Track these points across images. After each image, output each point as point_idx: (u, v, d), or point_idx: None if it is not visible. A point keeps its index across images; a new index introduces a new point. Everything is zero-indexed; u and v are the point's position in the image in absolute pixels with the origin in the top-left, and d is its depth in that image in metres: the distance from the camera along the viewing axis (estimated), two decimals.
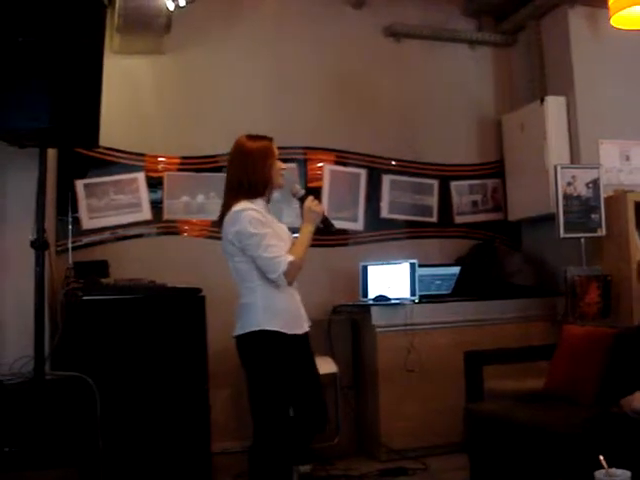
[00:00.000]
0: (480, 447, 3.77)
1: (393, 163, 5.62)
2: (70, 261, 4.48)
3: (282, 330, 3.18)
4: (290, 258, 3.14)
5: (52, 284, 3.95)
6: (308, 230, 3.27)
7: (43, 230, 3.59)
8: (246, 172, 3.27)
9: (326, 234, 4.48)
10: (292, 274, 3.16)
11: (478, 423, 3.79)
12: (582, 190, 4.93)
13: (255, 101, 5.27)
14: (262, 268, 3.17)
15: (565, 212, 4.87)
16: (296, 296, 3.35)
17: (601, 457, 2.22)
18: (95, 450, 3.68)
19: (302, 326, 3.34)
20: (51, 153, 4.04)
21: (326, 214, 3.35)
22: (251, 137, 3.40)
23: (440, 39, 5.85)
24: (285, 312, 3.24)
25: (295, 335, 3.26)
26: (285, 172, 3.41)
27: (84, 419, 3.65)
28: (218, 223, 3.37)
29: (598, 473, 2.21)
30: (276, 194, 3.57)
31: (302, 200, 3.33)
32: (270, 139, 3.38)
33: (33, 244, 3.57)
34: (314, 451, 4.37)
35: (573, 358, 3.84)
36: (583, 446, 2.97)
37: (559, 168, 4.91)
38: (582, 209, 4.91)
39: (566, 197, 4.89)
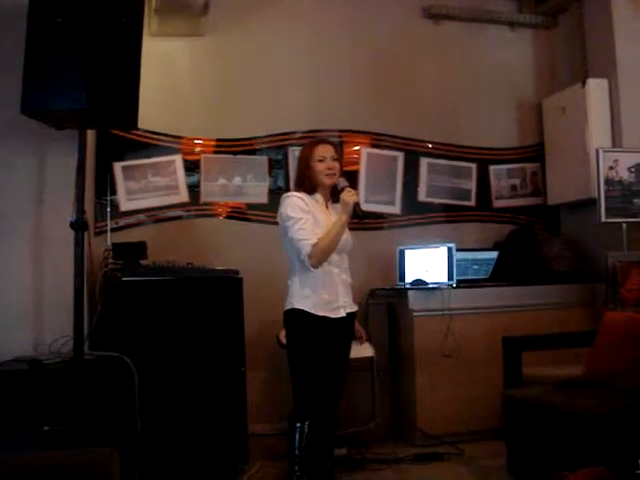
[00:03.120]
0: (518, 433, 3.74)
1: (430, 146, 5.56)
2: (109, 242, 4.50)
3: (309, 310, 3.45)
4: (314, 241, 3.36)
5: (91, 265, 3.98)
6: (340, 219, 3.45)
7: (83, 211, 3.60)
8: (297, 172, 3.67)
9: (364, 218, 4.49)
10: (316, 256, 3.38)
11: (517, 409, 3.76)
12: (624, 174, 4.84)
13: (291, 83, 5.25)
14: (295, 249, 3.44)
15: (606, 197, 4.79)
16: (338, 281, 3.54)
17: None
18: (133, 430, 3.71)
19: (337, 311, 3.51)
20: (90, 136, 4.04)
21: (358, 201, 3.48)
22: (308, 142, 3.82)
23: (480, 21, 5.76)
24: (316, 294, 3.47)
25: (326, 318, 3.46)
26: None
27: (122, 399, 3.68)
28: None
29: None
30: None
31: (341, 192, 3.49)
32: (319, 142, 3.67)
33: (72, 225, 3.58)
34: (349, 434, 4.39)
35: (614, 345, 3.78)
36: (626, 433, 2.93)
37: (601, 152, 4.82)
38: (624, 193, 4.82)
39: (607, 181, 4.81)
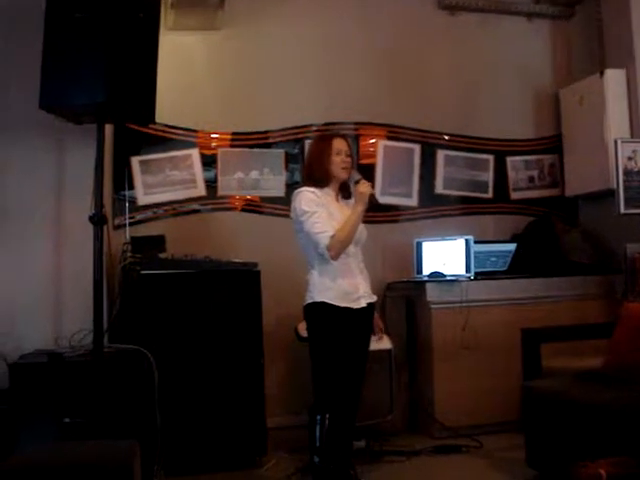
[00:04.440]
0: (538, 425, 3.72)
1: (447, 138, 5.53)
2: (127, 236, 4.52)
3: (332, 302, 3.46)
4: (332, 233, 3.40)
5: (110, 259, 4.00)
6: (357, 211, 3.48)
7: (101, 205, 3.62)
8: (310, 166, 3.66)
9: (381, 210, 4.51)
10: (335, 248, 3.41)
11: (537, 401, 3.74)
12: None
13: (306, 76, 5.24)
14: (312, 243, 3.45)
15: (625, 187, 4.76)
16: (356, 272, 3.57)
17: None
18: (153, 422, 3.73)
19: (357, 301, 3.54)
20: (107, 130, 4.07)
21: (373, 192, 3.55)
22: (318, 136, 3.95)
23: (496, 12, 5.70)
24: (336, 286, 3.49)
25: (348, 308, 3.48)
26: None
27: (142, 391, 3.71)
28: None
29: None
30: None
31: (356, 184, 3.56)
32: (334, 136, 3.70)
33: (92, 219, 3.61)
34: (368, 427, 4.39)
35: (633, 336, 3.76)
36: None
37: (619, 142, 4.80)
38: None
39: (626, 172, 4.78)
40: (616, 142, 4.79)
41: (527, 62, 5.77)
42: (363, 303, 3.56)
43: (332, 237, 3.39)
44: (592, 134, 5.25)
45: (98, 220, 3.60)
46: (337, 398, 3.48)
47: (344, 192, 3.67)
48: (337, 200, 3.63)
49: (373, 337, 3.74)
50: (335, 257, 3.43)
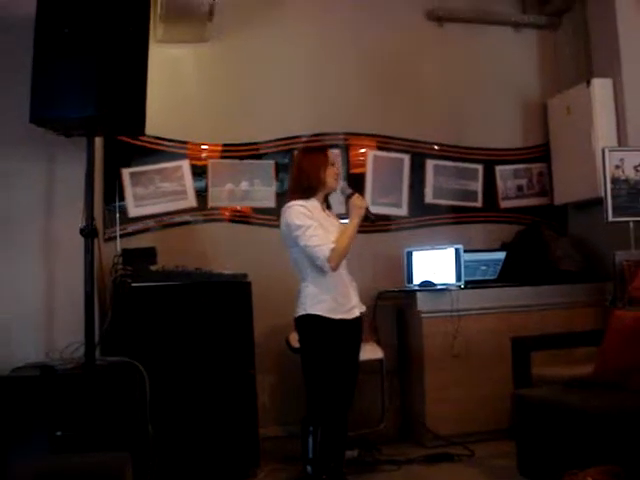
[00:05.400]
0: (529, 433, 3.73)
1: (436, 148, 5.56)
2: (118, 248, 4.53)
3: (326, 315, 3.49)
4: (332, 245, 3.44)
5: (101, 271, 3.99)
6: (353, 223, 3.56)
7: (92, 218, 3.62)
8: (300, 178, 3.65)
9: (371, 220, 4.52)
10: (335, 260, 3.46)
11: (527, 409, 3.75)
12: (630, 173, 4.84)
13: (297, 88, 5.27)
14: (309, 256, 3.49)
15: (613, 196, 4.79)
16: (347, 283, 3.62)
17: None
18: (145, 434, 3.73)
19: (351, 312, 3.59)
20: (98, 142, 4.07)
21: (369, 207, 3.66)
22: (309, 148, 4.09)
23: (483, 22, 5.75)
24: (331, 298, 3.53)
25: (343, 320, 3.52)
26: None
27: (134, 404, 3.70)
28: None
29: None
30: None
31: (349, 197, 3.63)
32: (327, 147, 3.89)
33: (82, 232, 3.60)
34: (360, 436, 4.40)
35: (622, 344, 3.78)
36: (637, 431, 2.93)
37: (607, 151, 4.83)
38: (630, 192, 4.82)
39: (614, 180, 4.81)
40: (603, 151, 4.82)
41: (515, 72, 5.81)
42: (356, 313, 3.61)
43: (332, 250, 3.43)
44: (580, 143, 5.28)
45: (89, 233, 3.60)
46: (331, 409, 3.50)
47: (327, 202, 3.72)
48: (323, 210, 3.66)
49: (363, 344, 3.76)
50: (335, 269, 3.48)
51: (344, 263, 3.60)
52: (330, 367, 3.49)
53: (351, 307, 3.59)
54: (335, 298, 3.53)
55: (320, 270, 3.47)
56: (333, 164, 3.65)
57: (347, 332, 3.55)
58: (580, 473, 2.64)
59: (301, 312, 3.55)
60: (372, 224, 4.26)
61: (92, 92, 3.48)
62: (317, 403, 3.52)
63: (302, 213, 3.50)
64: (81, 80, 3.48)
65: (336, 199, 3.84)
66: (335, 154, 3.73)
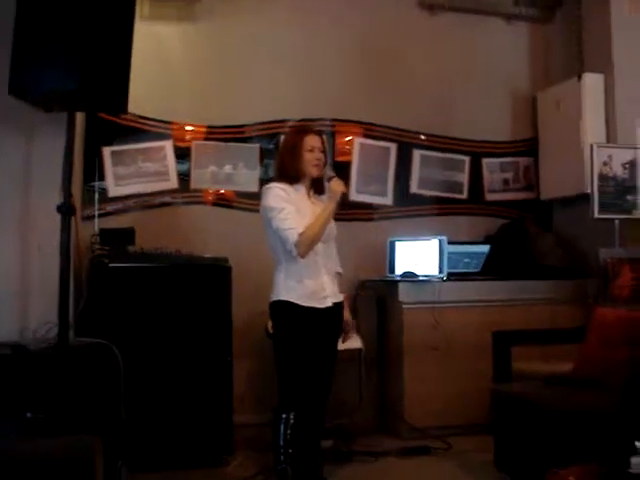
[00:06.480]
0: (507, 428, 3.71)
1: (423, 138, 5.52)
2: (96, 228, 4.45)
3: (296, 302, 3.44)
4: (301, 230, 3.34)
5: (77, 250, 3.91)
6: (328, 208, 3.45)
7: (70, 195, 3.53)
8: (282, 162, 3.61)
9: (355, 208, 4.49)
10: (303, 245, 3.36)
11: (506, 404, 3.73)
12: (618, 170, 4.83)
13: (283, 71, 5.21)
14: (280, 240, 3.41)
15: (600, 192, 4.76)
16: (323, 271, 3.53)
17: (638, 443, 2.15)
18: (118, 418, 3.66)
19: (323, 301, 3.51)
20: (79, 119, 3.98)
21: (346, 191, 3.58)
22: (291, 131, 3.90)
23: (475, 12, 5.70)
24: (302, 285, 3.46)
25: (313, 308, 3.46)
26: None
27: (107, 386, 3.63)
28: None
29: (635, 459, 2.14)
30: None
31: (329, 181, 3.52)
32: (307, 132, 3.62)
33: (59, 209, 3.52)
34: (336, 426, 4.36)
35: (604, 342, 3.78)
36: (617, 430, 2.90)
37: (595, 147, 4.80)
38: (617, 190, 4.81)
39: (601, 177, 4.79)
40: (592, 147, 4.79)
41: (505, 64, 5.78)
42: (329, 302, 3.52)
43: (301, 234, 3.34)
44: (568, 138, 5.26)
45: (66, 210, 3.51)
46: (301, 397, 3.45)
47: (317, 187, 3.62)
48: (309, 196, 3.58)
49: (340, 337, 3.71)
50: (303, 255, 3.39)
51: (324, 249, 3.53)
52: (300, 355, 3.43)
53: (324, 296, 3.50)
54: (307, 286, 3.46)
55: (291, 255, 3.39)
56: (312, 150, 3.52)
57: (319, 321, 3.47)
58: (561, 472, 2.61)
59: (274, 298, 3.51)
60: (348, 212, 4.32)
61: (74, 65, 3.37)
62: (287, 390, 3.48)
63: (278, 196, 3.43)
64: (64, 52, 3.37)
65: None
66: (318, 139, 3.57)
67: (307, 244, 3.36)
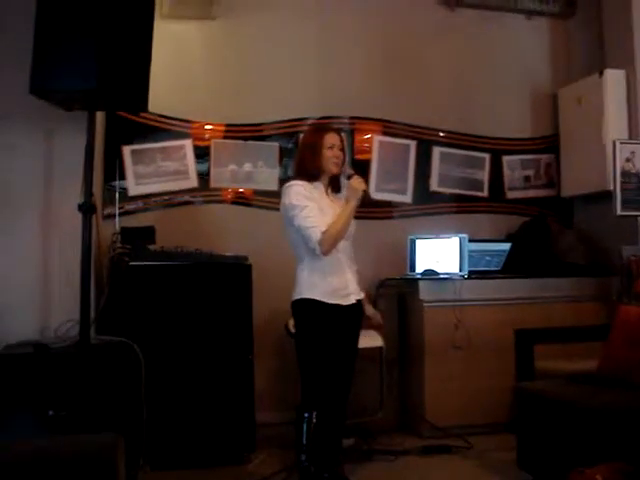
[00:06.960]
0: (530, 427, 3.67)
1: (442, 135, 5.48)
2: (117, 227, 4.46)
3: (320, 299, 3.43)
4: (324, 228, 3.35)
5: (98, 249, 3.93)
6: (349, 205, 3.45)
7: (91, 194, 3.56)
8: (302, 159, 3.61)
9: (375, 206, 4.47)
10: (327, 243, 3.36)
11: (529, 403, 3.69)
12: None
13: (302, 69, 5.19)
14: (303, 238, 3.41)
15: (622, 189, 4.70)
16: (346, 268, 3.53)
17: None
18: (139, 416, 3.67)
19: (346, 298, 3.51)
20: (99, 118, 4.00)
21: (366, 189, 3.58)
22: (311, 129, 3.99)
23: (496, 8, 5.65)
24: (326, 282, 3.45)
25: (338, 305, 3.45)
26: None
27: (128, 384, 3.64)
28: None
29: None
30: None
31: (348, 179, 3.53)
32: (327, 130, 3.66)
33: (81, 208, 3.54)
34: (357, 425, 4.34)
35: (628, 339, 3.71)
36: None
37: (618, 143, 4.74)
38: None
39: (624, 173, 4.72)
40: (614, 143, 4.73)
41: (526, 60, 5.72)
42: (352, 300, 3.53)
43: (324, 232, 3.34)
44: (590, 135, 5.20)
45: (87, 209, 3.54)
46: (324, 396, 3.44)
47: (334, 185, 3.62)
48: (327, 194, 3.58)
49: (366, 333, 3.70)
50: (326, 253, 3.39)
51: (345, 246, 3.53)
52: (324, 353, 3.42)
53: (347, 293, 3.51)
54: (330, 283, 3.45)
55: (314, 253, 3.40)
56: (332, 147, 3.52)
57: (342, 318, 3.47)
58: (588, 470, 2.56)
59: (296, 296, 3.50)
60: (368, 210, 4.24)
61: (94, 64, 3.42)
62: (310, 389, 3.47)
63: (300, 193, 3.43)
64: (84, 52, 3.42)
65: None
66: (337, 137, 3.56)
67: (330, 242, 3.37)
